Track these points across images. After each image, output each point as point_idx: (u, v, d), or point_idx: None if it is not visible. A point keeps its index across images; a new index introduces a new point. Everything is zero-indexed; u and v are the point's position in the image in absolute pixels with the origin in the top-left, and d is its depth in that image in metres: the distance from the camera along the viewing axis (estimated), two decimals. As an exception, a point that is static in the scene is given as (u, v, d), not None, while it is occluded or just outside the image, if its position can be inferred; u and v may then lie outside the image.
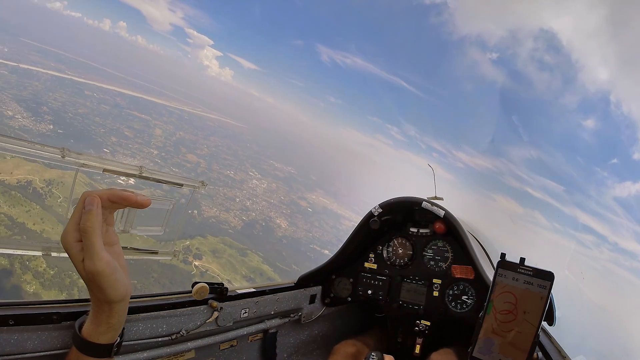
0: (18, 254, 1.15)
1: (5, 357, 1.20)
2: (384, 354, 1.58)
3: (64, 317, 1.31)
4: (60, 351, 1.30)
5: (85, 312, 1.26)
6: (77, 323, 1.21)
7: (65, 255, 1.11)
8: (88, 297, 1.18)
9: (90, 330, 1.15)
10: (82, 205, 1.06)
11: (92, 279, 1.07)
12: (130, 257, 1.35)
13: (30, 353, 1.25)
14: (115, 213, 1.20)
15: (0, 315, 1.20)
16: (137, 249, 1.42)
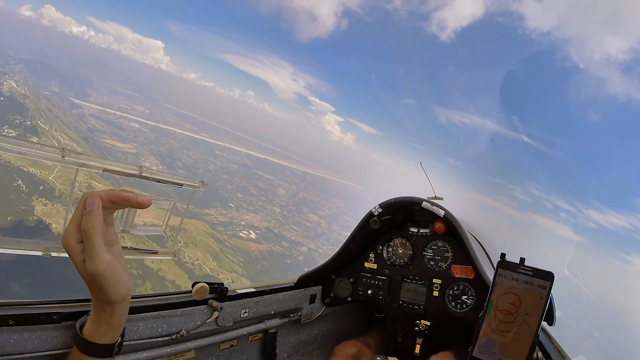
0: (18, 254, 1.15)
1: (5, 357, 1.20)
2: (388, 357, 1.58)
3: (64, 317, 1.31)
4: (61, 351, 1.30)
5: (86, 312, 1.26)
6: (78, 323, 1.21)
7: (66, 255, 1.11)
8: (88, 297, 1.18)
9: (91, 330, 1.15)
10: (82, 206, 1.06)
11: (93, 280, 1.07)
12: (131, 257, 1.35)
13: (30, 353, 1.25)
14: (115, 213, 1.20)
15: (0, 315, 1.20)
16: (137, 249, 1.42)
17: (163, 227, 1.46)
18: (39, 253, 1.17)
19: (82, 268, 1.06)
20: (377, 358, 1.63)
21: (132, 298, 1.25)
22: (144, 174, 1.29)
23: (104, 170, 1.21)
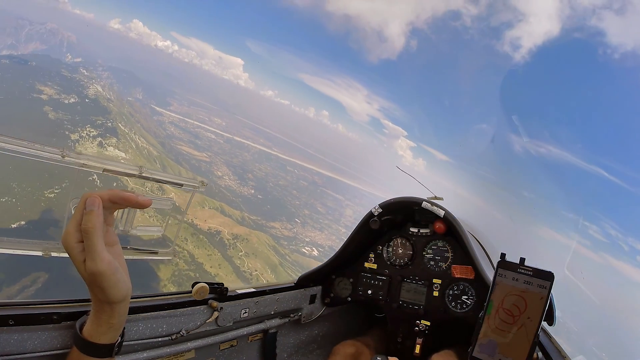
0: (18, 254, 1.15)
1: (5, 357, 1.20)
2: (388, 357, 1.58)
3: (64, 317, 1.31)
4: (61, 351, 1.30)
5: (86, 312, 1.26)
6: (78, 323, 1.22)
7: (66, 255, 1.11)
8: (88, 297, 1.18)
9: (91, 330, 1.15)
10: (83, 206, 1.06)
11: (93, 280, 1.07)
12: (130, 257, 1.35)
13: (30, 353, 1.25)
14: (115, 213, 1.20)
15: (0, 315, 1.20)
16: (137, 249, 1.42)
17: (163, 227, 1.46)
18: (39, 253, 1.17)
19: (82, 268, 1.06)
20: (378, 358, 1.63)
21: (132, 298, 1.25)
22: (144, 174, 1.29)
23: (104, 170, 1.21)
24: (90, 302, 1.17)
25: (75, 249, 1.06)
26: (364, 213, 2.45)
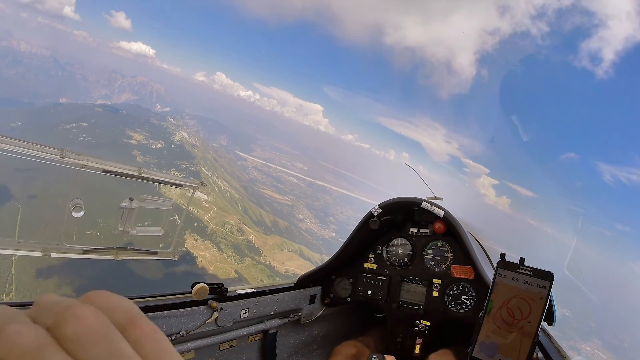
0: (18, 255, 1.15)
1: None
2: (385, 355, 1.58)
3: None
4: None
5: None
6: None
7: (65, 255, 1.11)
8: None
9: None
10: None
11: None
12: (131, 257, 1.35)
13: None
14: (116, 213, 1.20)
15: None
16: (138, 250, 1.42)
17: (163, 228, 1.46)
18: (38, 254, 1.17)
19: None
20: (374, 357, 1.63)
21: (131, 298, 1.25)
22: (143, 175, 1.29)
23: (104, 171, 1.21)
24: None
25: None
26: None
